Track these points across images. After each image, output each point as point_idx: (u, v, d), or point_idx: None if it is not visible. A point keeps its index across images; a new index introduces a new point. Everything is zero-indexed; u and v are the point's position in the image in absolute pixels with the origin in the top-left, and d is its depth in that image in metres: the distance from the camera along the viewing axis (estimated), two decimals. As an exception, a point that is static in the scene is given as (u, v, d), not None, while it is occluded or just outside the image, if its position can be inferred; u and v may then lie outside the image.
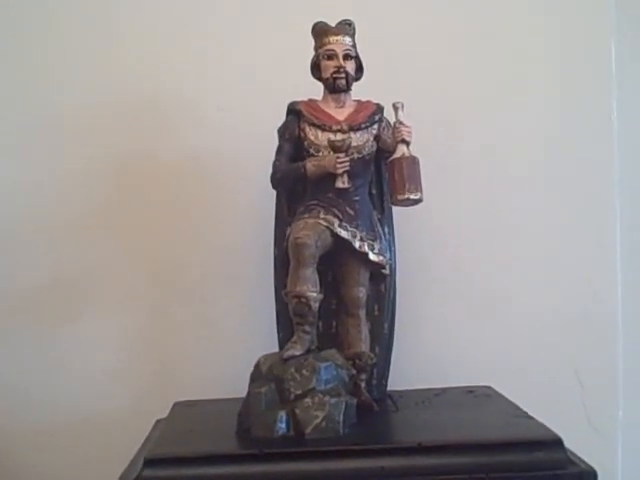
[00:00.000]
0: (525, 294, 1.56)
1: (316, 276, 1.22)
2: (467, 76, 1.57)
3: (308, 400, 1.13)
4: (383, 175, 1.37)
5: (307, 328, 1.22)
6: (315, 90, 1.34)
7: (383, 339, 1.36)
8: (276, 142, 1.34)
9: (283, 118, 1.34)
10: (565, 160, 1.58)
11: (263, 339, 1.39)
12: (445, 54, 1.57)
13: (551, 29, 1.59)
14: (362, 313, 1.32)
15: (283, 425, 1.12)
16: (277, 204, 1.38)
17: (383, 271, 1.32)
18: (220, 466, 1.04)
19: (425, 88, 1.52)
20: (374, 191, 1.38)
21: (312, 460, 1.05)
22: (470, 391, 1.37)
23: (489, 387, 1.40)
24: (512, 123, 1.57)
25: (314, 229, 1.23)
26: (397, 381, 1.39)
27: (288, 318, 1.27)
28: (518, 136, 1.57)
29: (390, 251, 1.35)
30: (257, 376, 1.20)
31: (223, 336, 1.54)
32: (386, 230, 1.36)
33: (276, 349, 1.30)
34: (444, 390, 1.38)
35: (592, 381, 1.56)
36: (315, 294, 1.21)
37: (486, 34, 1.58)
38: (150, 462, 1.05)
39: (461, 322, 1.55)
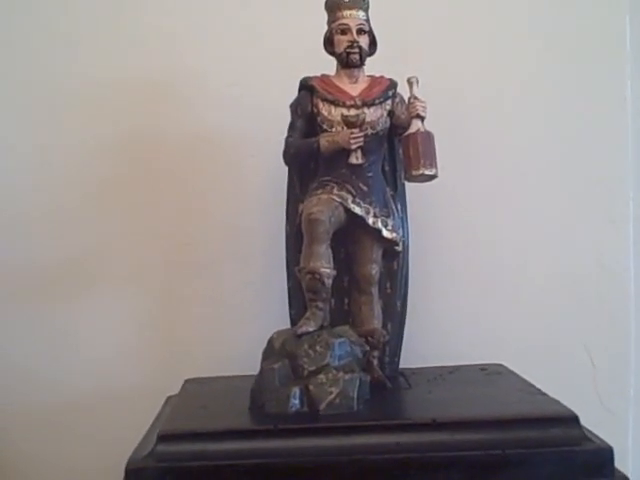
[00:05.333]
0: (538, 272, 1.55)
1: (330, 252, 1.21)
2: (482, 52, 1.55)
3: (322, 376, 1.12)
4: (396, 152, 1.35)
5: (320, 304, 1.21)
6: (328, 65, 1.32)
7: (395, 316, 1.35)
8: (287, 118, 1.32)
9: (295, 94, 1.32)
10: (578, 136, 1.56)
11: (274, 316, 1.38)
12: (459, 30, 1.55)
13: (565, 8, 1.57)
14: (375, 290, 1.31)
15: (297, 401, 1.11)
16: (289, 181, 1.36)
17: (396, 248, 1.31)
18: (234, 441, 1.03)
19: (439, 64, 1.49)
20: (387, 168, 1.36)
21: (326, 436, 1.04)
22: (482, 369, 1.37)
23: (501, 365, 1.39)
24: (527, 100, 1.56)
25: (327, 205, 1.22)
26: (409, 359, 1.38)
27: (300, 295, 1.26)
28: (533, 113, 1.56)
29: (403, 228, 1.34)
30: (270, 352, 1.19)
31: (234, 313, 1.53)
32: (399, 207, 1.34)
33: (288, 326, 1.29)
34: (457, 368, 1.38)
35: (603, 360, 1.55)
36: (329, 270, 1.20)
37: (500, 11, 1.56)
38: (164, 437, 1.05)
39: (473, 300, 1.54)
